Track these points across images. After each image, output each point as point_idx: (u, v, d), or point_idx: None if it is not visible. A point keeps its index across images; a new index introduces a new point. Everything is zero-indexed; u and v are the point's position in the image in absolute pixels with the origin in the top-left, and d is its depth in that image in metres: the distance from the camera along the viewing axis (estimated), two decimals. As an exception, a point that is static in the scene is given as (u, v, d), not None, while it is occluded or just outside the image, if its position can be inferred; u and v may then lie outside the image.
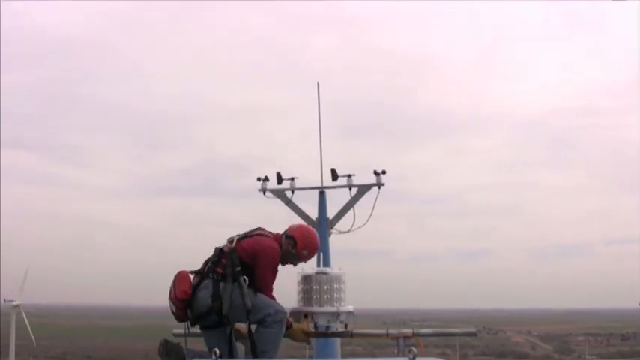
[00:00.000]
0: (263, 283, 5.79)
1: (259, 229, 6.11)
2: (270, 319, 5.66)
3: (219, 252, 5.88)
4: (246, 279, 5.75)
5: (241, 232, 6.10)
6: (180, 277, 5.79)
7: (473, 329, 6.84)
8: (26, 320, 43.73)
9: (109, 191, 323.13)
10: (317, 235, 6.18)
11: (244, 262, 5.79)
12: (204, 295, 5.68)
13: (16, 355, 43.31)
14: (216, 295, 5.65)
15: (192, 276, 5.84)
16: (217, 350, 4.31)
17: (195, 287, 5.75)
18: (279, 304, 5.79)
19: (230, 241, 5.96)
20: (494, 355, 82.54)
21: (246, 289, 5.65)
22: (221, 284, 5.69)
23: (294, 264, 6.16)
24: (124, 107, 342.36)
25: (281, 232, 6.14)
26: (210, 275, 5.75)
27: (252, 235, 5.98)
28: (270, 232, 6.10)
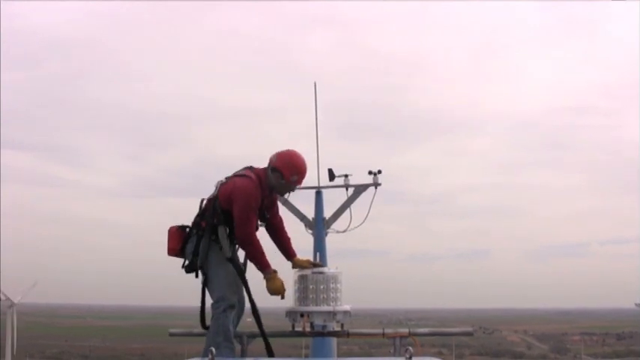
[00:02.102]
0: (239, 223, 5.64)
1: (245, 169, 5.94)
2: (213, 310, 5.64)
3: (206, 202, 5.83)
4: (227, 229, 5.71)
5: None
6: (170, 234, 5.83)
7: (469, 329, 6.89)
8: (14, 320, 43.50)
9: (105, 191, 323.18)
10: (299, 155, 5.93)
11: (225, 210, 5.71)
12: (189, 249, 5.74)
13: (12, 354, 43.23)
14: (196, 251, 5.68)
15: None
16: (214, 349, 4.31)
17: (187, 240, 5.79)
18: (227, 290, 5.65)
19: (216, 186, 5.88)
20: (490, 355, 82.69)
21: (207, 244, 5.64)
22: (203, 240, 5.69)
23: (292, 191, 6.04)
24: (122, 107, 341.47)
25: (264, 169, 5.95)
26: (194, 231, 5.76)
27: (232, 178, 5.85)
28: (256, 169, 5.92)
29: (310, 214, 9.51)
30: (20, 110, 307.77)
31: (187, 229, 5.84)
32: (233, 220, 5.69)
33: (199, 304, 5.80)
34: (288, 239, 6.13)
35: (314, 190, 9.51)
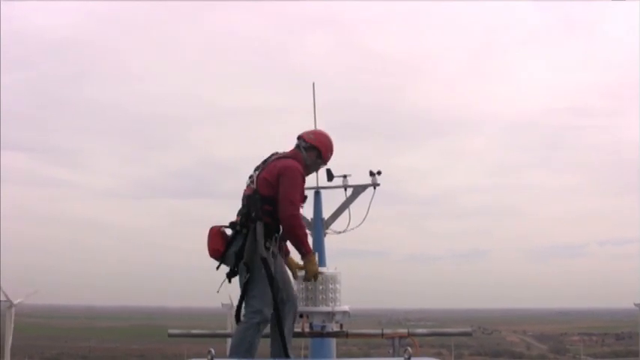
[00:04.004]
0: (287, 202, 5.33)
1: (275, 154, 5.69)
2: (245, 318, 5.30)
3: (247, 198, 5.44)
4: (267, 225, 5.35)
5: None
6: (212, 235, 5.41)
7: (468, 329, 6.90)
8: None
9: (104, 193, 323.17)
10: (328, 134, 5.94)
11: (269, 198, 5.39)
12: (232, 251, 5.35)
13: (11, 355, 43.15)
14: (240, 252, 5.30)
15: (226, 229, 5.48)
16: (212, 350, 4.31)
17: (230, 242, 5.38)
18: (266, 304, 5.29)
19: (252, 180, 5.51)
20: (489, 355, 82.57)
21: (256, 239, 5.25)
22: (249, 238, 5.30)
23: (317, 171, 6.10)
24: (120, 109, 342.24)
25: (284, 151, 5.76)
26: (240, 229, 5.36)
27: (270, 163, 5.56)
28: (290, 152, 5.72)
29: (309, 214, 9.48)
30: (20, 111, 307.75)
31: (230, 230, 5.46)
32: (276, 204, 5.37)
33: (238, 302, 5.41)
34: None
35: (313, 191, 9.49)
